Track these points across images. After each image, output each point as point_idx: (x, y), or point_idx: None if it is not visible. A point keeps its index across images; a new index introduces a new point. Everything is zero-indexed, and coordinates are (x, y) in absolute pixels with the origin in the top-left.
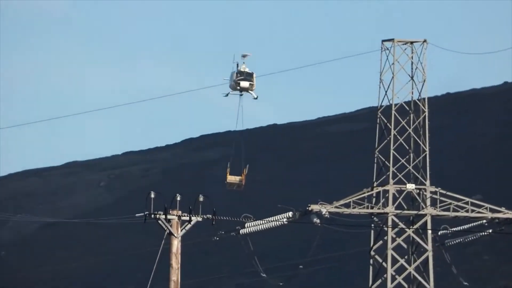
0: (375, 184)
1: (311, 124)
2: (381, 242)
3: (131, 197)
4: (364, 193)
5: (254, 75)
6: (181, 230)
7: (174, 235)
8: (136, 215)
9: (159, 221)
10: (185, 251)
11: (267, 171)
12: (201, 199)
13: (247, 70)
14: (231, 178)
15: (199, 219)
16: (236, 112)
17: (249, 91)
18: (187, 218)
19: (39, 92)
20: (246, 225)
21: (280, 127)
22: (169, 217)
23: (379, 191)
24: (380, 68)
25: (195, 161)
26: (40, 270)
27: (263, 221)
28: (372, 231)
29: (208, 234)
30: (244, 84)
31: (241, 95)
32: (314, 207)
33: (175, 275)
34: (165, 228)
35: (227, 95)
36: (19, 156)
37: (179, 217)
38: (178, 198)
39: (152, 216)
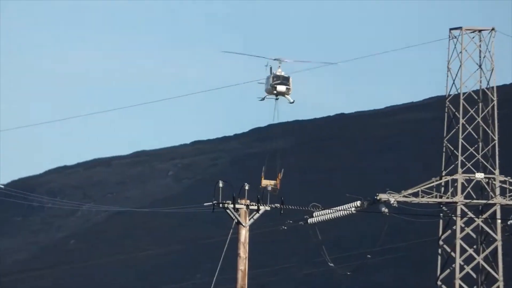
0: (443, 173)
1: (380, 113)
2: (449, 231)
3: (199, 187)
4: (433, 182)
5: (291, 79)
6: (249, 220)
7: (242, 225)
8: (204, 204)
9: (227, 211)
10: (253, 241)
11: (335, 160)
12: (269, 188)
13: (283, 74)
14: (266, 182)
15: (267, 208)
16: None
17: (286, 95)
18: (255, 207)
19: (108, 81)
20: (314, 214)
21: (348, 116)
22: (237, 206)
23: (448, 180)
24: (447, 56)
25: (263, 150)
26: (109, 260)
27: (331, 210)
28: (441, 221)
29: (276, 223)
30: (281, 88)
31: (276, 99)
32: (382, 196)
33: (243, 265)
34: (233, 218)
35: (263, 99)
36: (87, 145)
37: (247, 206)
38: (246, 187)
39: (220, 205)
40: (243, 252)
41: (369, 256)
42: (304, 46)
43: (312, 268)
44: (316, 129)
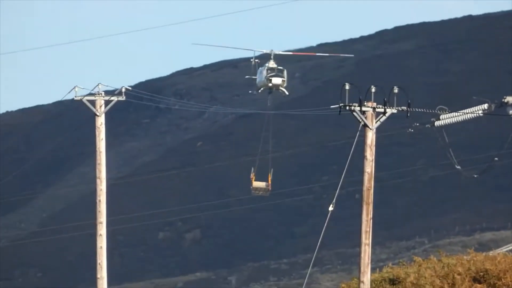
0: None
1: (507, 15)
2: None
3: (326, 89)
4: None
5: (285, 72)
6: (376, 122)
7: (369, 127)
8: (331, 107)
9: (354, 113)
10: (379, 143)
11: (463, 63)
12: (395, 90)
13: (276, 66)
14: (257, 184)
15: (394, 111)
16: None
17: (280, 88)
18: (382, 110)
19: None
20: (441, 117)
21: (475, 18)
22: (364, 109)
23: None
24: None
25: (389, 53)
26: (235, 161)
27: (458, 113)
28: None
29: (402, 126)
30: (277, 80)
31: (270, 92)
32: (510, 99)
33: (369, 167)
34: (360, 120)
35: (257, 92)
36: (213, 47)
37: (374, 109)
38: (373, 90)
39: (347, 108)
40: (370, 154)
41: (496, 158)
42: None
43: (438, 171)
44: (443, 32)
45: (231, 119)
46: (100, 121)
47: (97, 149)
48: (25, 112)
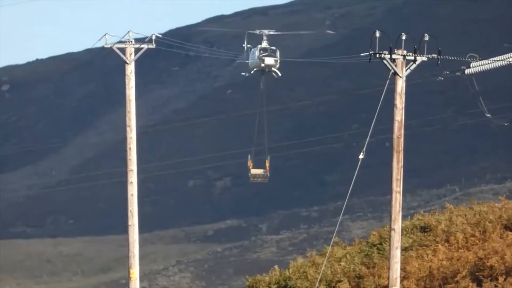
0: None
1: None
2: None
3: (356, 36)
4: None
5: (278, 52)
6: (406, 70)
7: (398, 75)
8: (361, 54)
9: (384, 61)
10: (409, 91)
11: (494, 10)
12: (426, 38)
13: (269, 46)
14: (255, 171)
15: (424, 58)
16: None
17: (273, 68)
18: (412, 57)
19: None
20: (471, 65)
21: None
22: (394, 56)
23: None
24: None
25: (420, 0)
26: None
27: (489, 61)
28: None
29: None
30: (269, 60)
31: (262, 74)
32: None
33: (399, 115)
34: (390, 68)
35: (248, 74)
36: None
37: (404, 56)
38: (403, 38)
39: (377, 55)
40: (400, 102)
41: None
42: None
43: (468, 119)
44: None
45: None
46: (130, 69)
47: (126, 97)
48: (55, 60)
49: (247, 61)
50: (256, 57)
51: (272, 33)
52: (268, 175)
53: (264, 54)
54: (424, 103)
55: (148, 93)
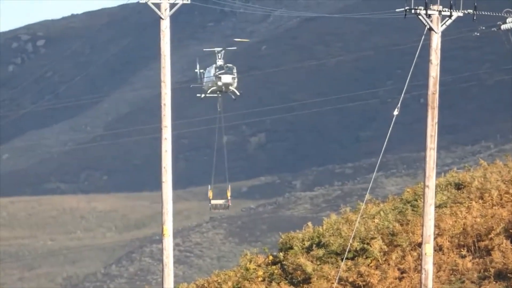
0: None
1: None
2: None
3: None
4: None
5: (235, 70)
6: (442, 26)
7: (434, 31)
8: (396, 10)
9: (419, 17)
10: (444, 47)
11: None
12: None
13: (225, 64)
14: (215, 202)
15: (460, 14)
16: None
17: (231, 87)
18: (448, 13)
19: None
20: (507, 20)
21: None
22: (429, 12)
23: None
24: None
25: None
26: (300, 65)
27: None
28: None
29: (468, 29)
30: (226, 78)
31: (219, 95)
32: None
33: (434, 71)
34: (425, 24)
35: (204, 95)
36: None
37: (439, 12)
38: None
39: (412, 11)
40: (435, 58)
41: None
42: None
43: (504, 75)
44: None
45: (296, 23)
46: (165, 24)
47: (161, 53)
48: (90, 16)
49: (201, 85)
50: (212, 75)
51: (229, 48)
52: (230, 204)
53: (220, 72)
54: (459, 59)
55: (183, 48)
